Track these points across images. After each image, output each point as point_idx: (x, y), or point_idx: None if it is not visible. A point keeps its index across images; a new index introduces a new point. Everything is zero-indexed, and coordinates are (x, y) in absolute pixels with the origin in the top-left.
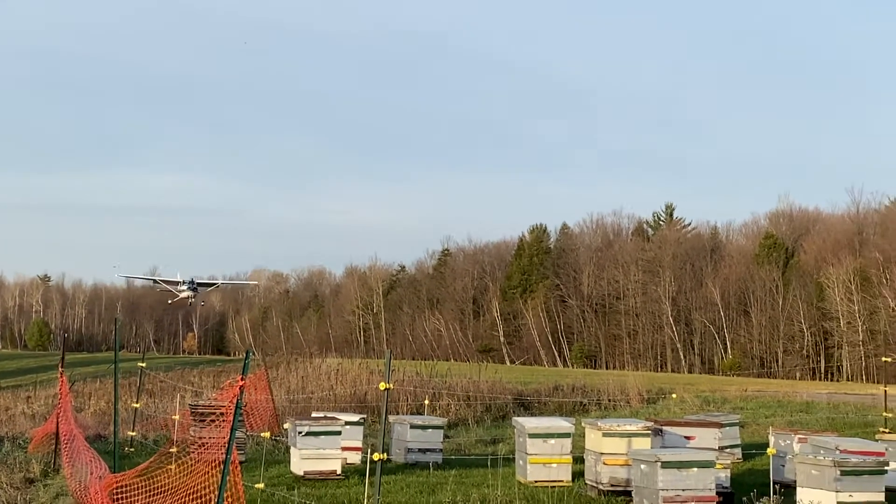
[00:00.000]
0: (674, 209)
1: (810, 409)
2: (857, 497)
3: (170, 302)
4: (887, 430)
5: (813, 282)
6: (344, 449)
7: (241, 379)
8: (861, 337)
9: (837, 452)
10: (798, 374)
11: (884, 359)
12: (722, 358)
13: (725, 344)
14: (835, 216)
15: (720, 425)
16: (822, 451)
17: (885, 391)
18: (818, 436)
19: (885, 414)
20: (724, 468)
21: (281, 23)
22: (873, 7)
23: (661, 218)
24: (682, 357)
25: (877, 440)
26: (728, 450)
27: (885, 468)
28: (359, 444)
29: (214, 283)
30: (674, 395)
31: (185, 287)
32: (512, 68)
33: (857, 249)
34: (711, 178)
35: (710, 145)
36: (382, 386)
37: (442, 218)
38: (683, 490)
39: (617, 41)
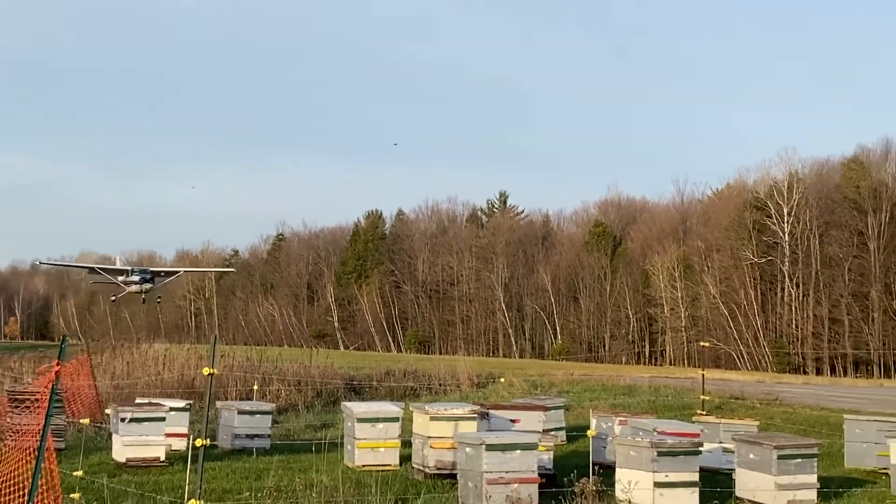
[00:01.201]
0: (507, 197)
1: (633, 393)
2: (673, 477)
3: (113, 298)
4: (704, 412)
5: (639, 269)
6: (168, 435)
7: (58, 364)
8: (683, 323)
9: (655, 434)
10: (624, 359)
11: (702, 343)
12: (552, 343)
13: (555, 329)
14: (661, 206)
15: (545, 408)
16: (640, 433)
17: (703, 375)
18: (638, 418)
19: (702, 396)
20: (548, 450)
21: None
22: (700, 2)
23: (495, 205)
24: (513, 342)
25: (693, 422)
26: (552, 432)
27: (700, 449)
28: (184, 430)
29: (175, 272)
30: (502, 379)
31: (135, 278)
32: (351, 52)
33: (681, 238)
34: (544, 167)
35: (544, 134)
36: (206, 371)
37: (277, 203)
38: (507, 472)
39: (455, 26)
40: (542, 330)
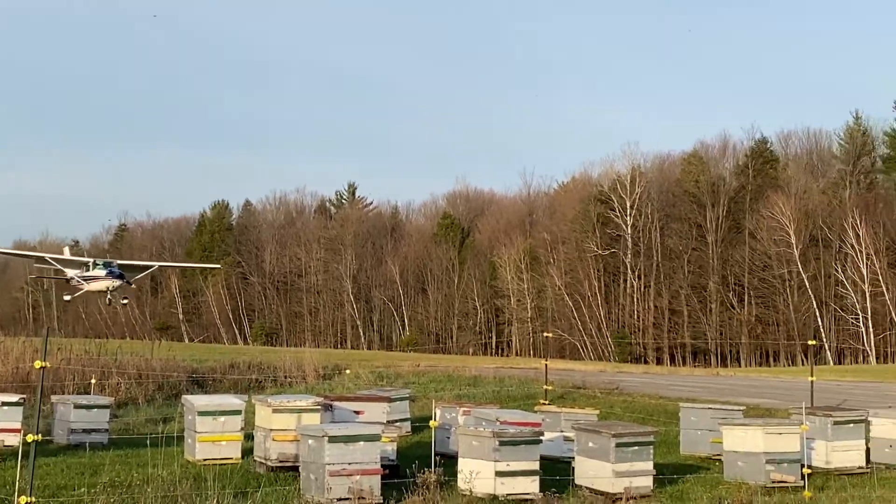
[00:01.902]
0: (356, 188)
1: (478, 383)
2: (514, 466)
3: (67, 298)
4: (546, 402)
5: (486, 261)
6: (0, 431)
7: None
8: (529, 314)
9: (497, 424)
10: (471, 350)
11: (545, 334)
12: (400, 334)
13: (404, 321)
14: (508, 198)
15: (389, 400)
16: (483, 423)
17: (546, 365)
18: (481, 408)
19: (545, 387)
20: (391, 441)
21: None
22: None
23: (344, 196)
24: (361, 334)
25: (536, 411)
26: (397, 423)
27: (541, 438)
28: (17, 425)
29: (148, 267)
30: (348, 371)
31: (98, 272)
32: (199, 40)
33: (528, 230)
34: (393, 159)
35: (393, 126)
36: (38, 364)
37: (119, 192)
38: (349, 464)
39: (305, 16)
40: (390, 321)
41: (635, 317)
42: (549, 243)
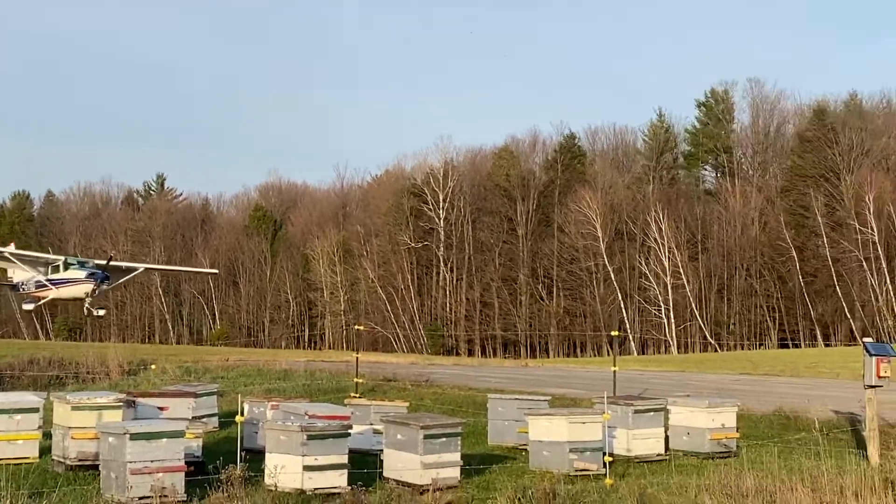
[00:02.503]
0: (165, 179)
1: (288, 377)
2: (322, 460)
3: (30, 307)
4: (357, 395)
5: (300, 253)
6: None
7: None
8: (343, 307)
9: (306, 418)
10: (284, 343)
11: (356, 327)
12: (210, 328)
13: (214, 314)
14: (321, 190)
15: (195, 395)
16: (291, 417)
17: (357, 358)
18: (290, 402)
19: (356, 379)
20: (197, 437)
21: None
22: None
23: (153, 188)
24: (170, 328)
25: (345, 405)
26: (204, 419)
27: (349, 431)
28: None
29: (133, 269)
30: (153, 366)
31: (77, 273)
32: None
33: (341, 223)
34: (204, 150)
35: (203, 117)
36: None
37: None
38: (152, 461)
39: (110, 2)
40: (200, 315)
41: (447, 309)
42: (362, 236)
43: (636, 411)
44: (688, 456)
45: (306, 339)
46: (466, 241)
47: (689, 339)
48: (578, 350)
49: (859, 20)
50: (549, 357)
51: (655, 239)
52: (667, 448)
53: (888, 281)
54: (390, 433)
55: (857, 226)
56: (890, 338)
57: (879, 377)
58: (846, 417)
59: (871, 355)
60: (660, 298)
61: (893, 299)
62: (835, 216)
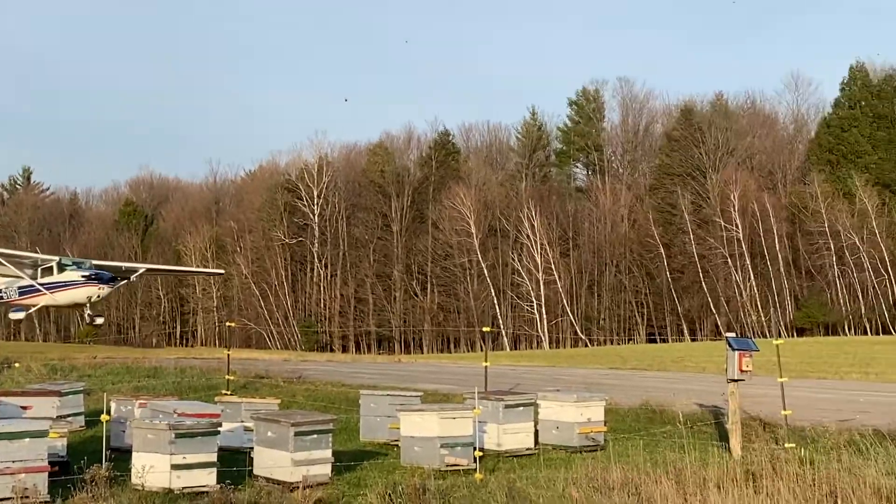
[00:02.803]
0: (31, 173)
1: (158, 375)
2: (191, 458)
3: (19, 317)
4: (228, 392)
5: (172, 249)
6: None
7: None
8: (215, 303)
9: (175, 416)
10: (154, 340)
11: (228, 323)
12: (79, 325)
13: (82, 311)
14: (194, 185)
15: (60, 394)
16: (160, 415)
17: (229, 355)
18: (159, 400)
19: (227, 377)
20: (61, 437)
21: None
22: None
23: (18, 182)
24: (36, 325)
25: (216, 402)
26: (69, 418)
27: (219, 429)
28: None
29: (134, 270)
30: (17, 364)
31: (74, 274)
32: None
33: (214, 218)
34: (72, 144)
35: (73, 111)
36: None
37: None
38: (13, 462)
39: None
40: (68, 312)
41: (322, 305)
42: (235, 232)
43: (506, 406)
44: (557, 450)
45: (178, 336)
46: (341, 237)
47: (560, 335)
48: (452, 346)
49: (725, 21)
50: (423, 353)
51: (528, 235)
52: (536, 442)
53: (752, 277)
54: (261, 430)
55: (723, 223)
56: (753, 332)
57: (742, 371)
58: (710, 411)
59: (733, 350)
60: (532, 294)
61: (757, 295)
62: (701, 214)
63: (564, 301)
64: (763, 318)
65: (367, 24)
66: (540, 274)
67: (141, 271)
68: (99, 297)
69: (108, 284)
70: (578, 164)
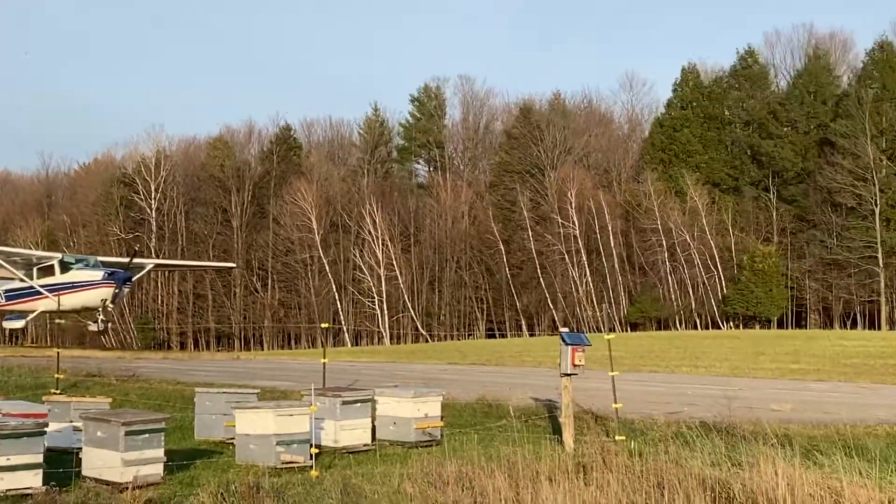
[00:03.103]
0: None
1: None
2: (15, 460)
3: (19, 325)
4: (57, 391)
5: (1, 243)
6: None
7: None
8: None
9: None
10: None
11: (59, 320)
12: None
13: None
14: (25, 178)
15: None
16: None
17: (59, 353)
18: None
19: (57, 375)
20: None
21: None
22: None
23: None
24: None
25: (43, 402)
26: None
27: (45, 429)
28: None
29: (142, 267)
30: None
31: (92, 275)
32: None
33: (47, 212)
34: None
35: None
36: None
37: None
38: None
39: None
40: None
41: (159, 301)
42: (68, 226)
43: (344, 403)
44: (394, 445)
45: (6, 334)
46: (179, 232)
47: (401, 330)
48: (293, 342)
49: (563, 21)
50: (263, 349)
51: (370, 231)
52: (374, 438)
53: (588, 273)
54: (90, 430)
55: (560, 220)
56: (589, 327)
57: (574, 365)
58: (545, 405)
59: (567, 345)
60: (373, 290)
61: (592, 290)
62: (539, 211)
63: (406, 297)
64: (598, 314)
65: (205, 19)
66: (381, 270)
67: (149, 268)
68: (115, 300)
69: (124, 285)
70: (420, 161)
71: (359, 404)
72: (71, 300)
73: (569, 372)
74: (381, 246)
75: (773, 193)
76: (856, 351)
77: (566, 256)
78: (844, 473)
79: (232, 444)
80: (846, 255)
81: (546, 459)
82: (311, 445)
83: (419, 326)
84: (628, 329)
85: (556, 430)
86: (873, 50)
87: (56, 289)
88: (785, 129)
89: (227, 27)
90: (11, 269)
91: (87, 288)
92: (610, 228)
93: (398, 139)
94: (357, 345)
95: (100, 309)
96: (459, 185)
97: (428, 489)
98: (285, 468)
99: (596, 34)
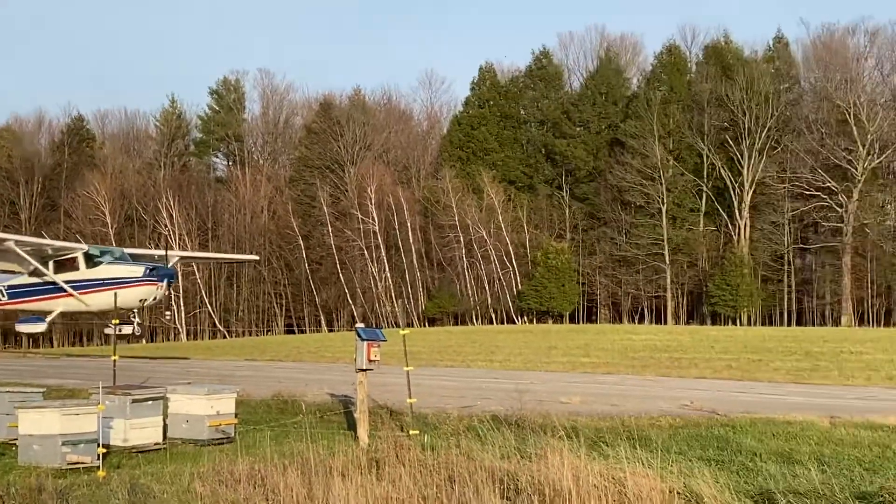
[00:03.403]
0: None
1: None
2: None
3: (39, 329)
4: None
5: None
6: None
7: None
8: None
9: None
10: None
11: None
12: None
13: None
14: None
15: None
16: None
17: None
18: None
19: None
20: None
21: None
22: None
23: None
24: None
25: None
26: None
27: None
28: None
29: (168, 260)
30: None
31: (132, 270)
32: None
33: None
34: None
35: None
36: None
37: None
38: None
39: None
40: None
41: None
42: None
43: (134, 401)
44: (186, 444)
45: None
46: None
47: (198, 326)
48: (85, 339)
49: (364, 19)
50: (52, 347)
51: (166, 225)
52: (166, 437)
53: (387, 269)
54: None
55: (360, 216)
56: (388, 322)
57: (370, 361)
58: (341, 400)
59: (362, 340)
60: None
61: (391, 286)
62: (339, 206)
63: (203, 292)
64: (397, 309)
65: None
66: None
67: (175, 260)
68: (156, 300)
69: (168, 281)
70: (219, 154)
71: (150, 402)
72: (100, 299)
73: (364, 367)
74: (178, 240)
75: (566, 191)
76: (643, 345)
77: (365, 252)
78: (628, 464)
79: (16, 445)
80: (634, 252)
81: (340, 455)
82: (98, 445)
83: (217, 322)
84: (426, 324)
85: (352, 425)
86: (661, 53)
87: (85, 286)
88: (577, 128)
89: (17, 12)
90: (34, 261)
91: (124, 285)
92: (409, 224)
93: (196, 132)
94: (153, 341)
95: (135, 311)
96: (259, 180)
97: (219, 487)
98: (70, 469)
99: (396, 32)
